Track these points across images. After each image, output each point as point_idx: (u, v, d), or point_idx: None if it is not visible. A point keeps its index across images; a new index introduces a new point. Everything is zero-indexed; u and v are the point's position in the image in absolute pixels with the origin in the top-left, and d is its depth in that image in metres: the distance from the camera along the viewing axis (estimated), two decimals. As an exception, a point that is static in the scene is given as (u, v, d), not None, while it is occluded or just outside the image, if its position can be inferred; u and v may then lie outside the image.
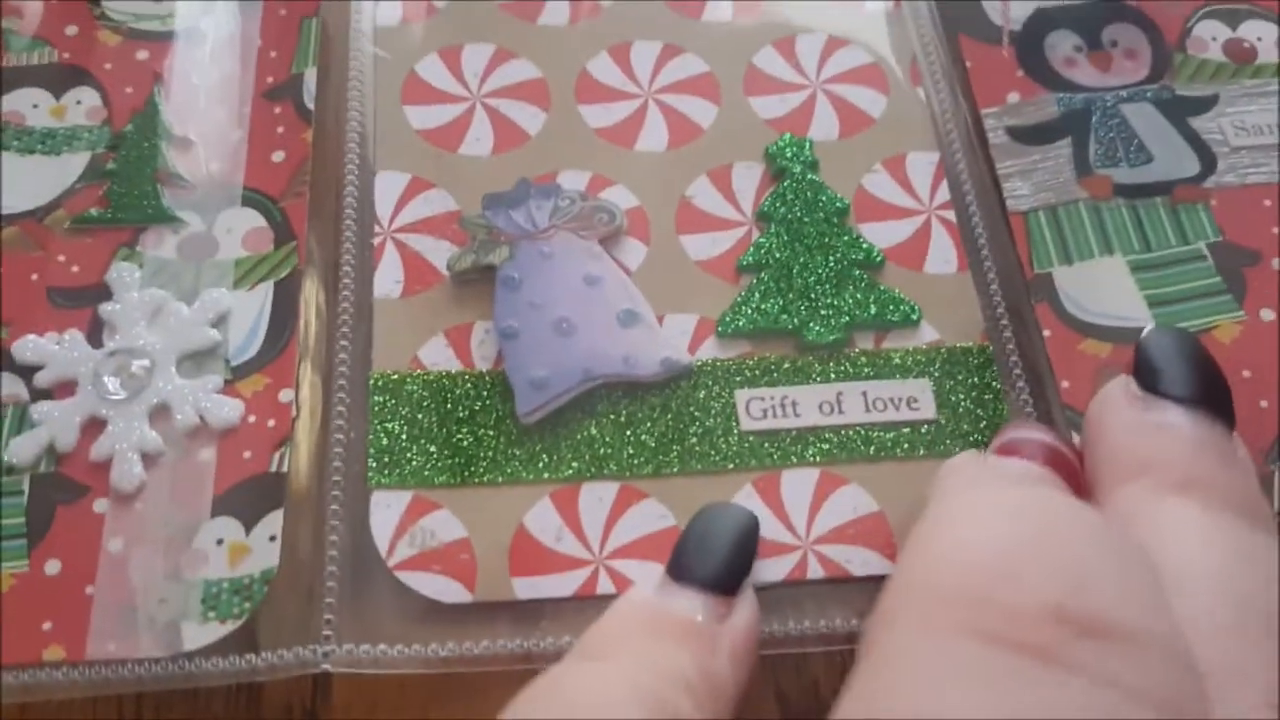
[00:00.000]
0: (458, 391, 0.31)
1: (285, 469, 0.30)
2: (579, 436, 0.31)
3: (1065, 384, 0.32)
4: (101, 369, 0.31)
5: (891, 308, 0.33)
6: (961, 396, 0.32)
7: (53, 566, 0.29)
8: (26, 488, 0.30)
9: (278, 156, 0.35)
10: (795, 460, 0.31)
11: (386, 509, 0.29)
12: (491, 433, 0.31)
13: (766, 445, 0.31)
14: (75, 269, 0.33)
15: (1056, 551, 0.22)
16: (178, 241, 0.33)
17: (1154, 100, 0.37)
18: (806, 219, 0.34)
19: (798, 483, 0.31)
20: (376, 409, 0.31)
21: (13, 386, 0.31)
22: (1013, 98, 0.37)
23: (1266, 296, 0.34)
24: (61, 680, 0.27)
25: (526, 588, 0.29)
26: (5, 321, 0.32)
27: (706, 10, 0.39)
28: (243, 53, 0.37)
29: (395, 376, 0.31)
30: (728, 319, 0.33)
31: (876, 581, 0.25)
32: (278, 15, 0.37)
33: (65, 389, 0.31)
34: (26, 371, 0.31)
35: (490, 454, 0.30)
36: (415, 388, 0.31)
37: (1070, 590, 0.21)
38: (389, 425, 0.31)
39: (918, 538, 0.24)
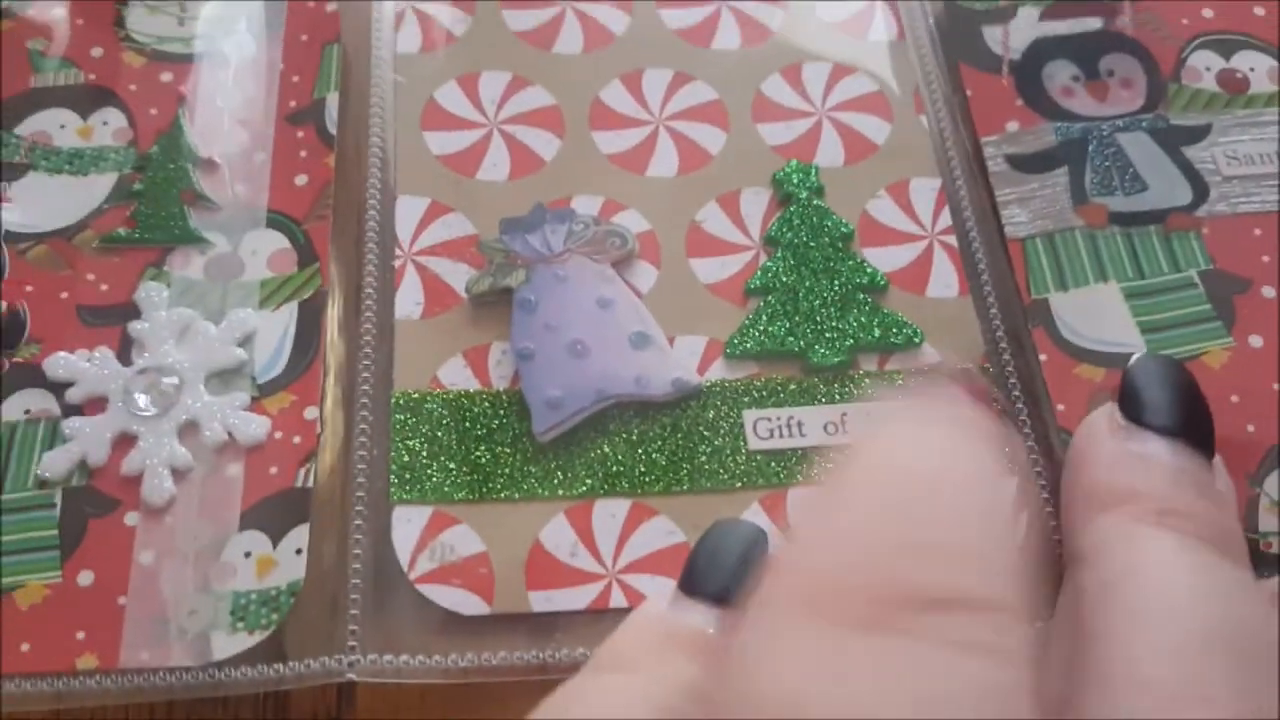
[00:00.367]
0: (476, 410, 0.32)
1: (310, 484, 0.31)
2: (592, 455, 0.32)
3: (1061, 407, 0.33)
4: (131, 386, 0.32)
5: (895, 330, 0.34)
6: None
7: (85, 578, 0.30)
8: (59, 501, 0.31)
9: (301, 180, 0.36)
10: (801, 479, 0.32)
11: (408, 524, 0.30)
12: (508, 450, 0.32)
13: (773, 464, 0.32)
14: (104, 288, 0.34)
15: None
16: (204, 262, 0.34)
17: (1149, 130, 0.38)
18: (812, 243, 0.35)
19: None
20: (398, 427, 0.32)
21: (44, 402, 0.32)
22: (1012, 126, 0.38)
23: (1256, 324, 0.34)
24: (95, 688, 0.28)
25: (542, 601, 0.30)
26: (36, 339, 0.33)
27: (716, 39, 0.40)
28: (266, 77, 0.38)
29: (416, 395, 0.32)
30: (736, 341, 0.34)
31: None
32: (300, 40, 0.38)
33: (96, 405, 0.32)
34: (58, 388, 0.32)
35: (507, 471, 0.31)
36: (435, 406, 0.32)
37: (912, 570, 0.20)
38: (410, 442, 0.32)
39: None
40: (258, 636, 0.29)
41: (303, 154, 0.36)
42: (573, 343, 0.33)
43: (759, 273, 0.35)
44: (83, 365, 0.32)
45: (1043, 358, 0.34)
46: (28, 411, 0.32)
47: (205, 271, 0.34)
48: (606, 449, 0.32)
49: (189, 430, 0.32)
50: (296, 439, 0.31)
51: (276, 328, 0.33)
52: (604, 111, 0.38)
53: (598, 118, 0.38)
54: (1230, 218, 0.37)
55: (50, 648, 0.29)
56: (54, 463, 0.31)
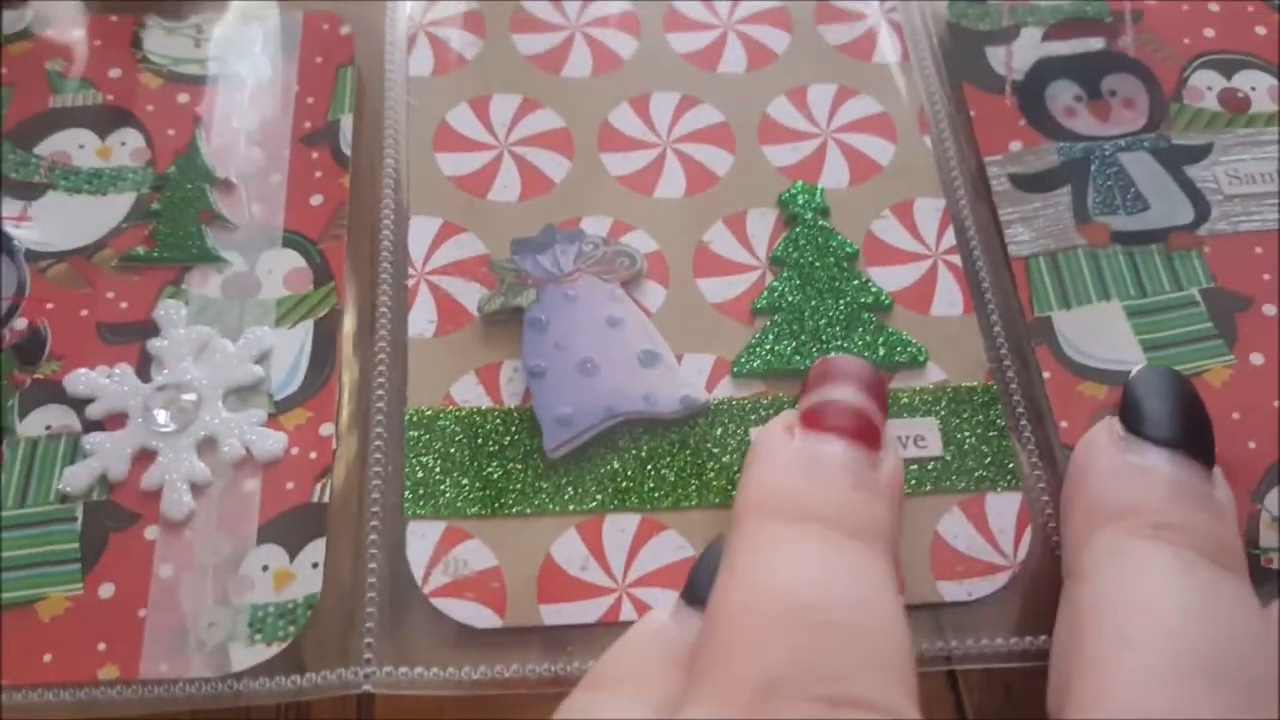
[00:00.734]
0: (488, 427, 0.33)
1: (326, 499, 0.31)
2: (602, 471, 0.33)
3: (1064, 424, 0.34)
4: (151, 402, 0.33)
5: (899, 349, 0.35)
6: (967, 434, 0.34)
7: (106, 590, 0.30)
8: (80, 515, 0.31)
9: (316, 200, 0.36)
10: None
11: (422, 538, 0.31)
12: (520, 466, 0.32)
13: (780, 480, 0.33)
14: (123, 305, 0.34)
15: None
16: (221, 280, 0.35)
17: (1151, 149, 0.39)
18: (818, 263, 0.36)
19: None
20: (412, 443, 0.32)
21: (65, 418, 0.33)
22: (1015, 146, 0.39)
23: (1257, 341, 0.35)
24: (116, 699, 0.29)
25: (554, 614, 0.30)
26: (57, 356, 0.33)
27: (722, 63, 0.40)
28: (281, 98, 0.38)
29: (429, 412, 0.33)
30: (743, 360, 0.34)
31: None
32: (314, 63, 0.39)
33: (116, 421, 0.33)
34: (78, 404, 0.33)
35: (519, 486, 0.32)
36: (448, 423, 0.33)
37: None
38: (423, 459, 0.32)
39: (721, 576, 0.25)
40: (275, 648, 0.29)
41: (318, 174, 0.37)
42: (583, 361, 0.33)
43: (765, 292, 0.36)
44: (103, 382, 0.33)
45: (1046, 375, 0.34)
46: (49, 427, 0.32)
47: (222, 290, 0.35)
48: (616, 465, 0.33)
49: (207, 446, 0.32)
50: (313, 454, 0.32)
51: (293, 345, 0.34)
52: (612, 134, 0.39)
53: (606, 140, 0.38)
54: (1231, 236, 0.37)
55: (72, 658, 0.29)
56: (75, 477, 0.31)
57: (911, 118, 0.40)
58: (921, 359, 0.35)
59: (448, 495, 0.32)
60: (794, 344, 0.35)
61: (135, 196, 0.36)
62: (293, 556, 0.31)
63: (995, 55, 0.41)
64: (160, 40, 0.40)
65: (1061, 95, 0.40)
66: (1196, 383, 0.32)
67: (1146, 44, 0.41)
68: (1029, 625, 0.30)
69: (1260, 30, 0.41)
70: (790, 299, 0.35)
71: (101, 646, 0.29)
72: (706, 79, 0.40)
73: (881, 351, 0.35)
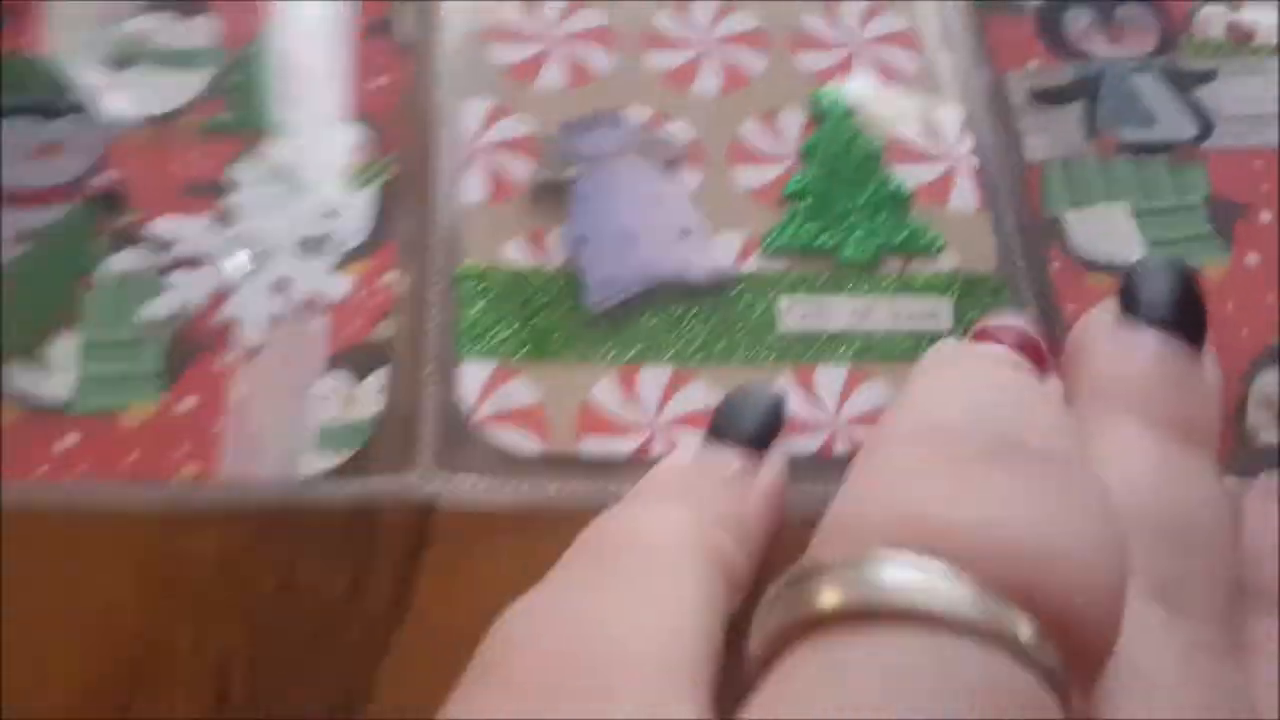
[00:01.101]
0: (535, 283, 0.36)
1: (388, 336, 0.34)
2: (639, 327, 0.35)
3: (1070, 308, 0.36)
4: (228, 247, 0.36)
5: (918, 236, 0.37)
6: (976, 314, 0.36)
7: (187, 404, 0.33)
8: (163, 341, 0.34)
9: (377, 82, 0.39)
10: (828, 357, 0.35)
11: (474, 374, 0.34)
12: (564, 319, 0.35)
13: (802, 344, 0.36)
14: (203, 166, 0.37)
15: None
16: (292, 148, 0.38)
17: (1159, 70, 0.41)
18: (844, 157, 0.39)
19: (830, 375, 0.35)
20: (465, 292, 0.35)
21: (150, 259, 0.36)
22: (1032, 64, 0.42)
23: (1254, 244, 0.38)
24: (195, 496, 0.32)
25: (592, 445, 0.33)
26: (142, 205, 0.36)
27: (757, -25, 0.43)
28: (345, -6, 0.41)
29: (481, 267, 0.36)
30: (772, 237, 0.37)
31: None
32: (375, -38, 0.42)
33: (195, 263, 0.36)
34: (162, 247, 0.36)
35: (562, 337, 0.35)
36: (499, 278, 0.36)
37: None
38: (476, 306, 0.35)
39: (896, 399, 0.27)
40: (342, 457, 0.32)
41: (379, 60, 0.40)
42: (624, 230, 0.36)
43: (794, 179, 0.38)
44: (184, 228, 0.36)
45: (1055, 266, 0.37)
46: (133, 266, 0.35)
47: (293, 157, 0.38)
48: (652, 323, 0.35)
49: (280, 287, 0.35)
50: (375, 299, 0.35)
51: (358, 206, 0.37)
52: (654, 34, 0.41)
53: (649, 39, 0.41)
54: (1232, 152, 0.40)
55: (155, 459, 0.32)
56: (159, 308, 0.34)
57: (936, 35, 0.42)
58: (939, 246, 0.37)
59: (498, 339, 0.35)
60: (820, 225, 0.37)
61: (212, 73, 0.39)
62: (357, 382, 0.33)
63: (1016, -18, 0.44)
64: (237, -63, 0.43)
65: (1078, 20, 0.43)
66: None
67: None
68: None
69: (1268, -34, 0.44)
70: (818, 187, 0.38)
71: (182, 450, 0.32)
72: (742, -13, 0.43)
73: (902, 237, 0.37)
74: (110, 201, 0.37)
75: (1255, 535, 0.30)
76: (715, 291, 0.36)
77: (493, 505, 0.32)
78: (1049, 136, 0.40)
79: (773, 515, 0.29)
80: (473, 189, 0.38)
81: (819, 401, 0.34)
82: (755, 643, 0.22)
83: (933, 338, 0.35)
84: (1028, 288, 0.37)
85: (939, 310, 0.36)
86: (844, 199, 0.38)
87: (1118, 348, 0.29)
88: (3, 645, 0.30)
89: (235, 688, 0.30)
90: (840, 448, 0.34)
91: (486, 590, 0.30)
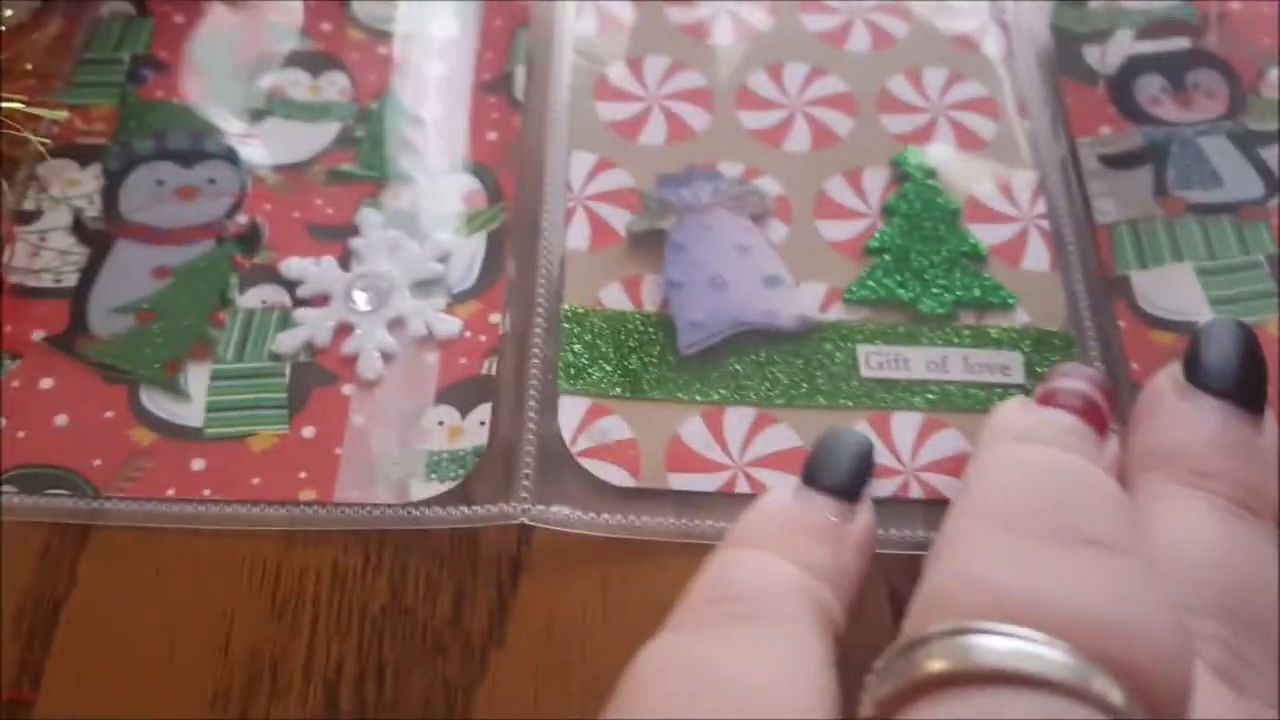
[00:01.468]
0: (630, 326, 0.38)
1: (493, 373, 0.37)
2: (726, 369, 0.38)
3: (1135, 365, 0.38)
4: (351, 286, 0.39)
5: (992, 293, 0.40)
6: (1045, 369, 0.38)
7: (308, 431, 0.36)
8: (289, 372, 0.37)
9: (492, 135, 0.43)
10: (905, 405, 0.37)
11: (571, 409, 0.37)
12: (655, 361, 0.38)
13: (881, 391, 0.38)
14: (329, 211, 0.41)
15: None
16: (411, 196, 0.41)
17: (1227, 133, 0.43)
18: (924, 215, 0.41)
19: (905, 422, 0.37)
20: (565, 333, 0.38)
21: (278, 296, 0.39)
22: (1105, 131, 0.44)
23: (1318, 300, 0.39)
24: (314, 516, 0.35)
25: (679, 481, 0.36)
26: (272, 246, 0.40)
27: (849, 41, 0.46)
28: (464, 53, 0.45)
29: (581, 310, 0.39)
30: (854, 288, 0.40)
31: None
32: (494, 25, 0.46)
33: (320, 300, 0.39)
34: (290, 285, 0.39)
35: (654, 376, 0.38)
36: (597, 320, 0.39)
37: None
38: (575, 346, 0.38)
39: (969, 472, 0.29)
40: (447, 486, 0.35)
41: (493, 115, 0.43)
42: (715, 277, 0.39)
43: (877, 235, 0.41)
44: (311, 268, 0.39)
45: (1121, 324, 0.39)
46: (264, 302, 0.39)
47: (411, 204, 0.41)
48: (737, 366, 0.38)
49: (396, 325, 0.38)
50: (482, 337, 0.38)
51: (469, 250, 0.40)
52: (748, 94, 0.44)
53: (743, 99, 0.44)
54: (1297, 209, 0.41)
55: (277, 483, 0.35)
56: (285, 342, 0.38)
57: (1012, 103, 0.45)
58: (1011, 303, 0.39)
59: (594, 377, 0.37)
60: (899, 279, 0.40)
61: (341, 125, 0.43)
62: (464, 415, 0.36)
63: (1091, 53, 0.46)
64: (365, 5, 0.46)
65: (1149, 87, 0.45)
66: (1256, 330, 0.35)
67: (1229, 42, 0.45)
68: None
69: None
70: (898, 242, 0.40)
71: (302, 475, 0.35)
72: (834, 54, 0.46)
73: (977, 293, 0.39)
74: (246, 241, 0.40)
75: None
76: (798, 338, 0.39)
77: (585, 535, 0.35)
78: (1118, 199, 0.42)
79: (865, 565, 0.31)
80: (576, 236, 0.40)
81: (895, 448, 0.36)
82: (867, 707, 0.24)
83: (1004, 391, 0.37)
84: (1095, 343, 0.39)
85: (1011, 363, 0.38)
86: (923, 255, 0.40)
87: (1181, 418, 0.31)
88: (131, 655, 0.33)
89: (344, 700, 0.32)
90: (914, 493, 0.36)
91: (575, 617, 0.33)
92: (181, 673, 0.32)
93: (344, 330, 0.38)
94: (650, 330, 0.38)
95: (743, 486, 0.35)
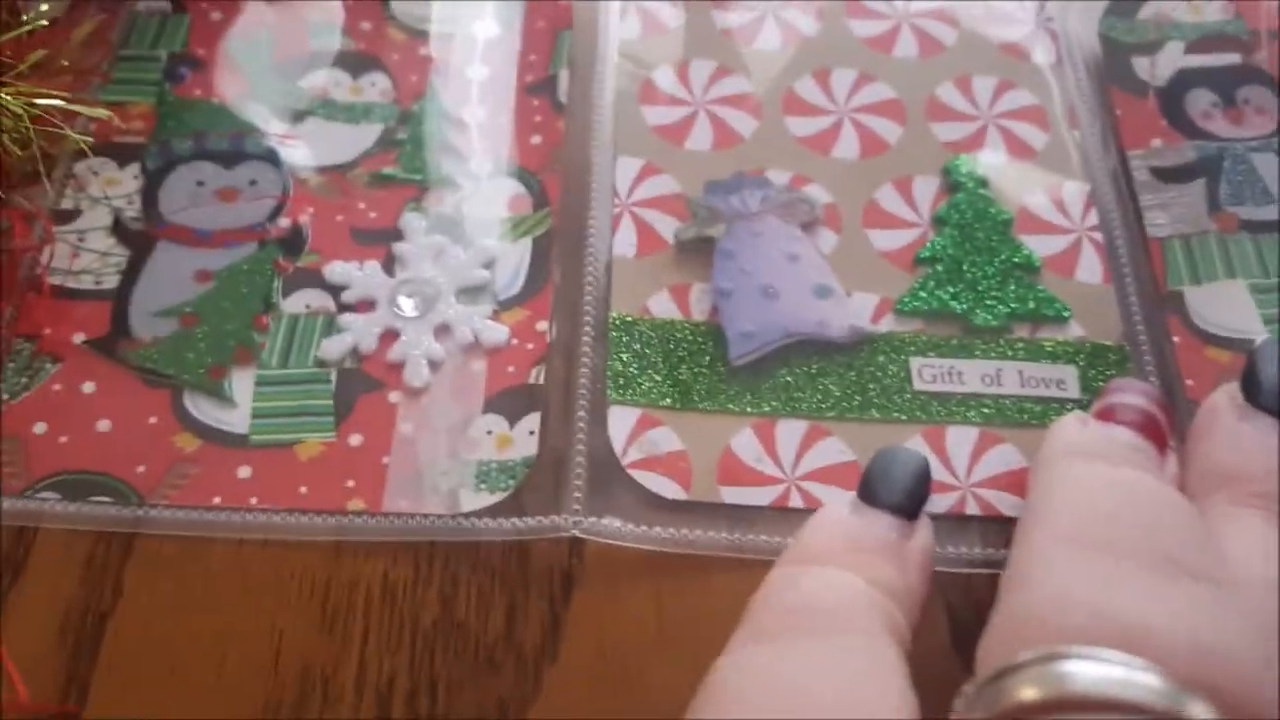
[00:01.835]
0: (679, 335, 0.38)
1: (541, 382, 0.36)
2: (776, 381, 0.37)
3: (1190, 382, 0.37)
4: (396, 292, 0.38)
5: (1046, 305, 0.39)
6: (1101, 384, 0.37)
7: (355, 440, 0.35)
8: (334, 379, 0.37)
9: (536, 139, 0.42)
10: (959, 419, 0.37)
11: (621, 420, 0.36)
12: (706, 371, 0.37)
13: (935, 404, 0.37)
14: (373, 215, 0.40)
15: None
16: (455, 200, 0.41)
17: (1278, 150, 0.43)
18: (976, 225, 0.41)
19: (960, 437, 0.36)
20: (614, 341, 0.37)
21: (322, 300, 0.38)
22: (1155, 143, 0.43)
23: (1370, 315, 0.38)
24: (363, 526, 0.34)
25: (732, 494, 0.35)
26: (315, 250, 0.39)
27: (896, 48, 0.45)
28: (507, 55, 0.44)
29: (629, 318, 0.38)
30: (906, 299, 0.39)
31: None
32: (537, 27, 0.45)
33: (365, 306, 0.38)
34: (334, 290, 0.38)
35: (704, 387, 0.37)
36: (645, 329, 0.38)
37: None
38: (623, 355, 0.37)
39: (1034, 490, 0.29)
40: (497, 497, 0.34)
41: (537, 119, 0.42)
42: (765, 287, 0.38)
43: (928, 245, 0.40)
44: (356, 273, 0.38)
45: (1175, 340, 0.38)
46: (308, 306, 0.38)
47: (455, 208, 0.40)
48: (789, 378, 0.37)
49: (442, 331, 0.37)
50: (530, 345, 0.37)
51: (514, 256, 0.39)
52: (795, 100, 0.44)
53: (790, 105, 0.43)
54: (1348, 225, 0.41)
55: (325, 491, 0.34)
56: (331, 348, 0.37)
57: (1062, 113, 0.44)
58: (1066, 316, 0.39)
59: (644, 387, 0.37)
60: (952, 290, 0.39)
61: (383, 127, 0.42)
62: (512, 425, 0.36)
63: (1141, 64, 0.45)
64: (405, 4, 0.46)
65: (1200, 101, 0.44)
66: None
67: (1281, 58, 0.45)
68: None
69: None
70: (951, 252, 0.40)
71: (350, 483, 0.34)
72: (882, 60, 0.45)
73: (1031, 305, 0.39)
74: (289, 245, 0.39)
75: None
76: (850, 349, 0.38)
77: (637, 548, 0.34)
78: (1171, 213, 0.41)
79: (926, 585, 0.30)
80: (623, 243, 0.40)
81: (950, 463, 0.36)
82: None
83: (1059, 405, 0.37)
84: (1150, 358, 0.38)
85: (1066, 377, 0.38)
86: (976, 266, 0.39)
87: (1240, 438, 0.31)
88: (179, 667, 0.32)
89: (397, 715, 0.32)
90: (971, 509, 0.35)
91: (629, 632, 0.33)
92: (231, 686, 0.31)
93: (389, 336, 0.37)
94: (699, 340, 0.38)
95: (796, 501, 0.35)
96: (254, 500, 0.34)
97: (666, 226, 0.40)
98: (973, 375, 0.37)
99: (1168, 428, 0.32)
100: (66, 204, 0.40)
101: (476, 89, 0.43)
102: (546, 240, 0.39)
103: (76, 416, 0.35)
